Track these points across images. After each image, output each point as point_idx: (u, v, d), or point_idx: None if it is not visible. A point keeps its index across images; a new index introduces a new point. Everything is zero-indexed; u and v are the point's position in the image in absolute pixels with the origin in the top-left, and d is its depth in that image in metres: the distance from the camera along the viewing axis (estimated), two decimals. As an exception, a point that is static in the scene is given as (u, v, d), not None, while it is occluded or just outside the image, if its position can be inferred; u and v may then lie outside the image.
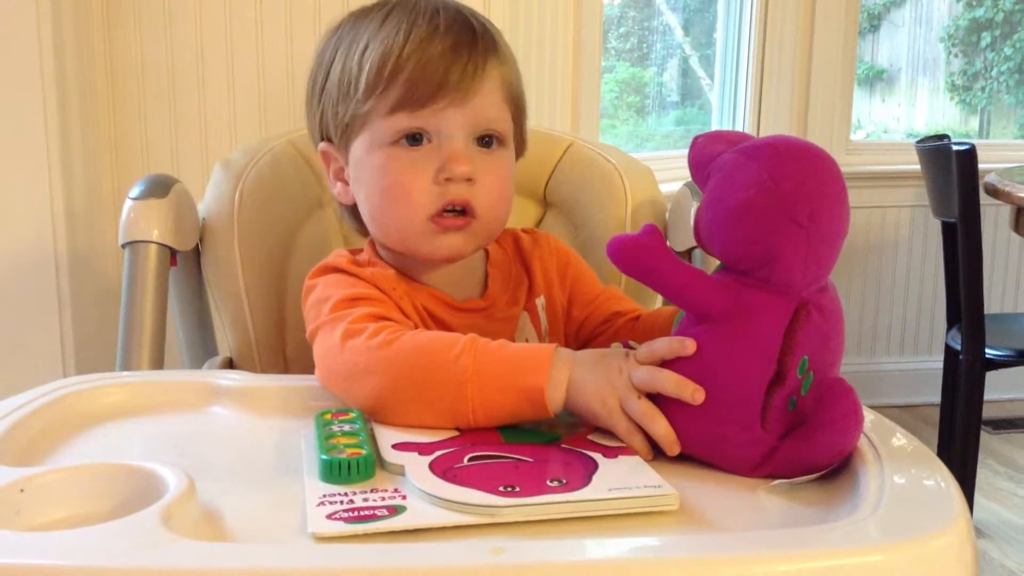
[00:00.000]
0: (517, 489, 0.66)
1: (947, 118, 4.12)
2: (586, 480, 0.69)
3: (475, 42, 0.95)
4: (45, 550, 0.57)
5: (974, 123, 4.13)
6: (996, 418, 3.19)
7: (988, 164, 2.52)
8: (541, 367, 0.79)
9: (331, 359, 0.86)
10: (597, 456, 0.74)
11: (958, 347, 2.34)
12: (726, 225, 0.74)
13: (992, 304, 3.29)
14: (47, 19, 1.63)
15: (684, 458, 0.76)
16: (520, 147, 1.04)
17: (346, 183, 1.01)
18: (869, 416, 0.78)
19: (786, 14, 3.12)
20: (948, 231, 2.49)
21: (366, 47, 0.94)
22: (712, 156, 0.77)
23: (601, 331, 1.07)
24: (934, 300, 3.30)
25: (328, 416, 0.79)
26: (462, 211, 0.95)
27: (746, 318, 0.73)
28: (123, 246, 1.18)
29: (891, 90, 4.15)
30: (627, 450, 0.75)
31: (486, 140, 0.97)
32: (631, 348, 0.81)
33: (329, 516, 0.63)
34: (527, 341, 1.03)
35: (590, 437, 0.78)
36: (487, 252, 1.06)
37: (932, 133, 2.76)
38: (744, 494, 0.71)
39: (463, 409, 0.79)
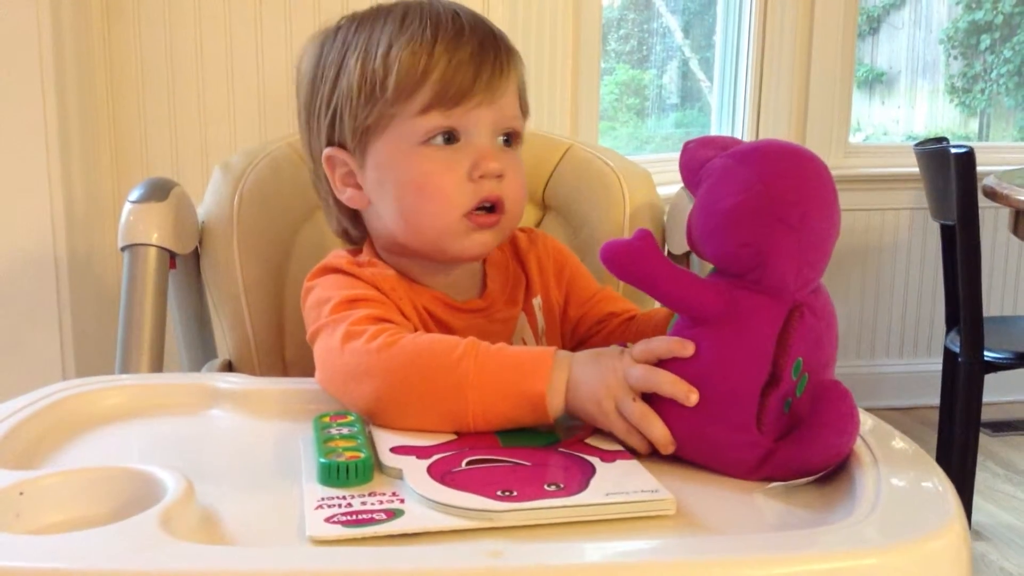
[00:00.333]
0: (515, 493, 0.67)
1: (947, 120, 4.12)
2: (583, 484, 0.69)
3: (498, 43, 0.97)
4: (44, 553, 0.57)
5: (974, 125, 4.13)
6: (996, 420, 3.19)
7: (987, 167, 2.52)
8: (542, 372, 0.79)
9: (331, 361, 0.86)
10: (595, 460, 0.74)
11: (957, 349, 2.34)
12: (718, 229, 0.74)
13: (991, 306, 3.30)
14: (47, 22, 1.63)
15: (681, 461, 0.76)
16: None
17: (357, 187, 1.00)
18: (868, 421, 0.78)
19: (785, 16, 3.12)
20: (947, 234, 2.49)
21: (389, 48, 0.95)
22: (703, 161, 0.77)
23: (595, 331, 1.07)
24: (933, 302, 3.30)
25: (326, 419, 0.79)
26: (492, 208, 0.97)
27: (740, 321, 0.73)
28: (122, 249, 1.19)
29: (891, 92, 4.15)
30: (624, 454, 0.75)
31: (507, 138, 0.99)
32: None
33: (327, 519, 0.63)
34: (524, 341, 1.04)
35: (588, 441, 0.78)
36: None
37: (931, 135, 2.76)
38: (740, 497, 0.71)
39: (463, 412, 0.79)
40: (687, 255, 1.27)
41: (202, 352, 1.33)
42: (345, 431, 0.76)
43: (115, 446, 0.81)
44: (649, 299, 1.25)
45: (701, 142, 0.80)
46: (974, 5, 3.98)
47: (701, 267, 1.19)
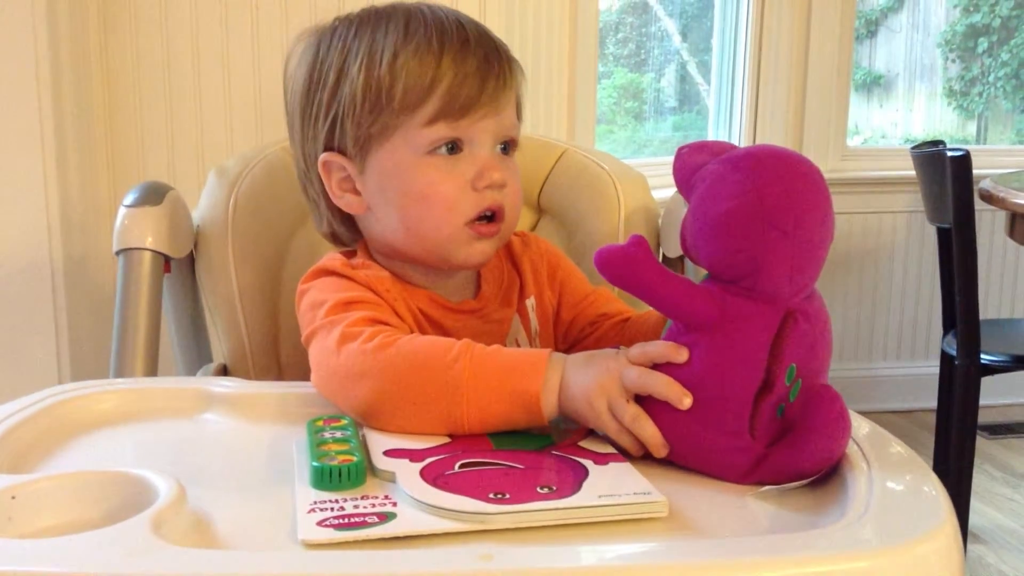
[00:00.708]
0: (507, 496, 0.67)
1: (944, 123, 4.12)
2: (576, 487, 0.69)
3: (501, 55, 0.98)
4: (36, 557, 0.57)
5: (971, 128, 4.14)
6: (993, 423, 3.19)
7: (984, 170, 2.53)
8: (537, 372, 0.79)
9: (327, 363, 0.86)
10: (587, 463, 0.74)
11: (953, 352, 2.34)
12: (711, 236, 0.74)
13: (988, 310, 3.30)
14: (43, 27, 1.64)
15: (674, 464, 0.76)
16: None
17: (356, 193, 1.00)
18: (864, 425, 0.78)
19: (782, 19, 3.13)
20: (943, 237, 2.49)
21: (395, 57, 0.95)
22: (696, 167, 0.77)
23: (588, 333, 1.08)
24: (930, 306, 3.30)
25: (320, 423, 0.79)
26: (492, 216, 0.98)
27: (733, 327, 0.73)
28: (117, 253, 1.19)
29: (888, 96, 4.15)
30: (617, 457, 0.75)
31: (504, 146, 1.00)
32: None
33: (319, 523, 0.63)
34: (518, 342, 1.04)
35: (581, 444, 0.78)
36: None
37: (929, 139, 2.76)
38: (733, 500, 0.71)
39: (458, 414, 0.79)
40: (682, 258, 1.27)
41: (197, 356, 1.33)
42: (338, 434, 0.76)
43: (109, 450, 0.81)
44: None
45: (695, 147, 0.80)
46: (972, 8, 3.99)
47: (696, 271, 1.20)
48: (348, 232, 1.05)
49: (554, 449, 0.77)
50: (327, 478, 0.69)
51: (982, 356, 2.29)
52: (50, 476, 0.68)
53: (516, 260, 1.09)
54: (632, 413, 0.76)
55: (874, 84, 4.13)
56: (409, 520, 0.64)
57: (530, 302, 1.07)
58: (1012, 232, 2.30)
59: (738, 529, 0.68)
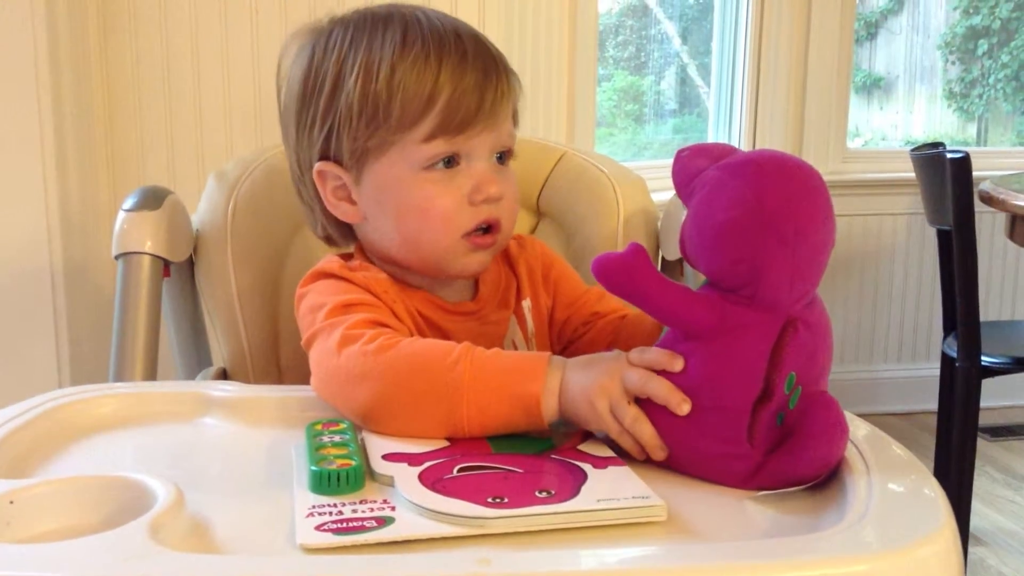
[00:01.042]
0: (506, 500, 0.67)
1: (945, 125, 4.13)
2: (575, 491, 0.69)
3: (498, 68, 0.97)
4: (33, 562, 0.57)
5: (971, 130, 4.14)
6: (995, 425, 3.19)
7: (984, 172, 2.52)
8: (537, 375, 0.79)
9: (327, 365, 0.86)
10: (586, 467, 0.74)
11: (954, 354, 2.34)
12: (710, 245, 0.74)
13: (988, 312, 3.29)
14: (42, 30, 1.64)
15: (673, 469, 0.76)
16: None
17: (351, 202, 1.00)
18: (863, 428, 0.78)
19: (781, 22, 3.13)
20: (944, 239, 2.49)
21: (393, 71, 0.94)
22: (696, 172, 0.77)
23: (582, 333, 1.08)
24: (931, 308, 3.30)
25: (319, 427, 0.79)
26: (488, 228, 0.98)
27: (732, 336, 0.73)
28: (116, 257, 1.19)
29: (889, 98, 4.15)
30: (616, 460, 0.75)
31: (501, 156, 1.00)
32: None
33: (318, 527, 0.63)
34: (515, 343, 1.05)
35: (580, 447, 0.78)
36: None
37: (929, 141, 2.76)
38: (732, 504, 0.71)
39: (458, 416, 0.79)
40: (681, 262, 1.27)
41: (197, 360, 1.33)
42: (337, 438, 0.76)
43: (108, 455, 0.81)
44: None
45: (694, 151, 0.79)
46: (972, 10, 3.99)
47: (695, 275, 1.20)
48: (343, 236, 1.05)
49: (553, 453, 0.77)
50: (326, 482, 0.69)
51: (983, 358, 2.29)
52: (48, 481, 0.68)
53: (512, 262, 1.09)
54: (632, 414, 0.76)
55: (874, 86, 4.14)
56: (407, 524, 0.64)
57: (526, 304, 1.07)
58: (1012, 234, 2.29)
59: (737, 533, 0.68)
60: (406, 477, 0.71)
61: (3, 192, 1.66)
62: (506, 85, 0.98)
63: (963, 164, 2.18)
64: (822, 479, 0.72)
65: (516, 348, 1.04)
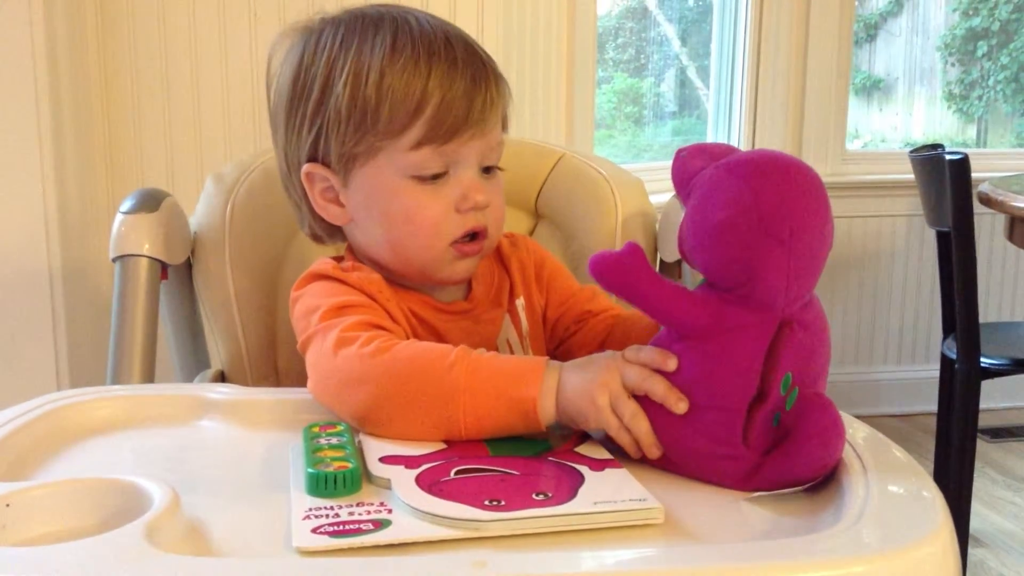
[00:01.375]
0: (503, 503, 0.67)
1: (944, 127, 4.13)
2: (572, 494, 0.69)
3: (487, 75, 0.97)
4: (29, 565, 0.57)
5: (971, 132, 4.14)
6: (994, 427, 3.19)
7: (984, 173, 2.52)
8: (534, 378, 0.79)
9: (324, 367, 0.86)
10: (583, 469, 0.74)
11: (953, 356, 2.34)
12: (707, 244, 0.74)
13: (988, 313, 3.29)
14: (40, 31, 1.64)
15: (669, 471, 0.76)
16: None
17: (339, 204, 1.00)
18: (862, 430, 0.78)
19: (780, 23, 3.13)
20: (943, 240, 2.49)
21: (381, 77, 0.94)
22: (694, 171, 0.77)
23: (574, 331, 1.08)
24: (930, 309, 3.30)
25: (316, 429, 0.79)
26: (474, 236, 0.98)
27: (727, 336, 0.73)
28: (114, 260, 1.19)
29: (888, 99, 4.15)
30: (613, 463, 0.75)
31: (487, 170, 1.00)
32: None
33: (314, 530, 0.63)
34: (509, 342, 1.05)
35: (577, 450, 0.78)
36: None
37: (929, 142, 2.76)
38: (729, 505, 0.71)
39: (455, 419, 0.79)
40: (679, 263, 1.27)
41: (195, 362, 1.33)
42: (334, 441, 0.76)
43: (105, 457, 0.81)
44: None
45: (694, 150, 0.79)
46: (971, 12, 3.99)
47: (693, 276, 1.19)
48: (331, 236, 1.05)
49: (550, 455, 0.77)
50: (322, 485, 0.69)
51: (982, 359, 2.28)
52: (45, 483, 0.68)
53: (505, 261, 1.09)
54: (632, 409, 0.76)
55: (874, 88, 4.14)
56: (404, 527, 0.64)
57: (520, 302, 1.07)
58: (1011, 235, 2.29)
59: (734, 535, 0.68)
60: (403, 480, 0.71)
61: (1, 194, 1.66)
62: (495, 91, 0.97)
63: (962, 165, 2.18)
64: (819, 481, 0.72)
65: (511, 347, 1.04)
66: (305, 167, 0.99)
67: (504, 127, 1.02)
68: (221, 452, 0.82)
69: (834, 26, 3.17)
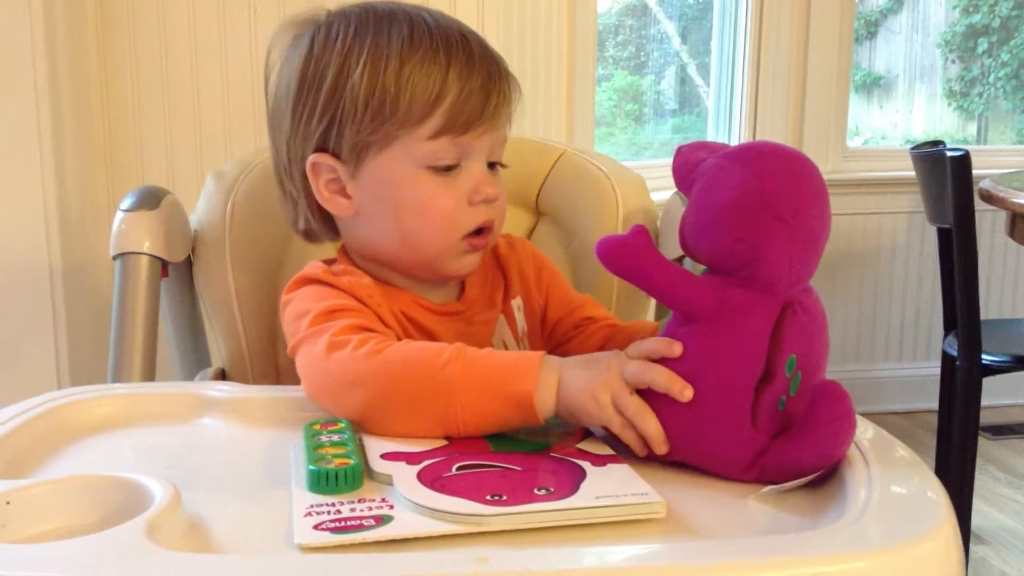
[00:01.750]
0: (504, 498, 0.66)
1: (945, 124, 4.13)
2: (574, 488, 0.69)
3: (501, 71, 0.98)
4: (30, 562, 0.57)
5: (972, 129, 4.14)
6: (996, 424, 3.19)
7: (984, 170, 2.52)
8: (529, 373, 0.79)
9: (317, 371, 0.85)
10: (585, 464, 0.74)
11: (955, 353, 2.34)
12: (712, 224, 0.75)
13: (989, 310, 3.29)
14: (40, 30, 1.64)
15: (673, 465, 0.76)
16: None
17: (345, 196, 0.99)
18: (869, 429, 0.78)
19: (781, 21, 3.12)
20: (944, 237, 2.49)
21: (401, 66, 0.94)
22: (695, 164, 0.79)
23: (572, 336, 1.08)
24: (931, 306, 3.30)
25: (317, 426, 0.79)
26: (480, 231, 0.99)
27: (732, 317, 0.74)
28: (114, 258, 1.19)
29: (889, 96, 4.16)
30: (615, 458, 0.75)
31: (491, 166, 1.00)
32: None
33: (316, 526, 0.63)
34: (504, 343, 1.05)
35: (579, 446, 0.78)
36: None
37: (929, 139, 2.76)
38: (731, 501, 0.71)
39: (452, 417, 0.79)
40: (680, 260, 1.27)
41: (195, 360, 1.33)
42: (335, 438, 0.76)
43: (105, 455, 0.81)
44: (644, 306, 1.25)
45: (693, 146, 0.81)
46: (971, 9, 3.99)
47: (694, 270, 1.19)
48: (326, 231, 1.05)
49: (552, 451, 0.77)
50: (324, 481, 0.69)
51: (983, 356, 2.28)
52: (44, 481, 0.68)
53: (502, 262, 1.09)
54: (635, 404, 0.76)
55: (874, 85, 4.14)
56: (405, 523, 0.64)
57: (516, 302, 1.07)
58: (1012, 232, 2.29)
59: (736, 530, 0.68)
60: (404, 476, 0.71)
61: (1, 192, 1.66)
62: (508, 88, 0.98)
63: (963, 162, 2.18)
64: (822, 475, 0.72)
65: (506, 347, 1.04)
66: (312, 157, 0.98)
67: (508, 125, 1.02)
68: (222, 450, 0.82)
69: (835, 23, 3.17)
